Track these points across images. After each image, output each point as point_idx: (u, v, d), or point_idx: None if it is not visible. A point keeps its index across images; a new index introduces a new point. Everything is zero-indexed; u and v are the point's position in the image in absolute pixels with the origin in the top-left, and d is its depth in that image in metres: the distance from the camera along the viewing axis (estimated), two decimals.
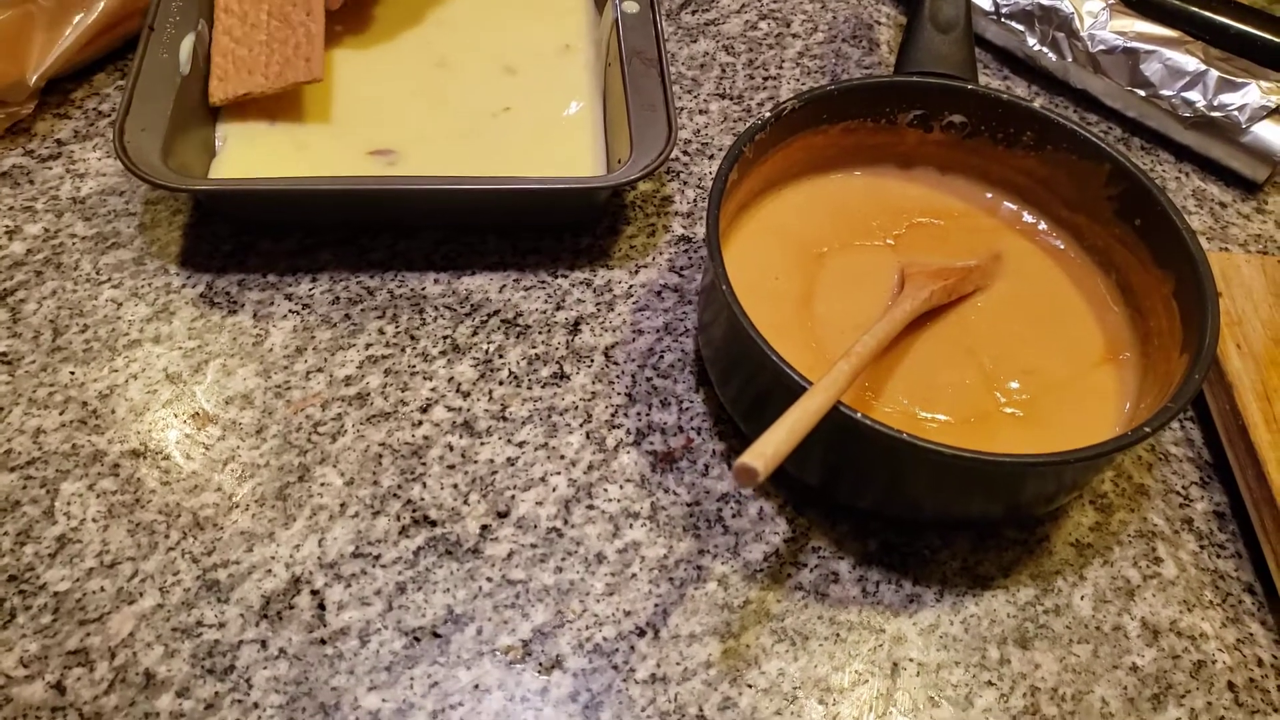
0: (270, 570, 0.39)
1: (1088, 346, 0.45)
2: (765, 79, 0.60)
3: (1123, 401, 0.43)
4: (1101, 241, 0.46)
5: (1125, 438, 0.36)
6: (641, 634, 0.39)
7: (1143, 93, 0.56)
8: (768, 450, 0.30)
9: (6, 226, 0.48)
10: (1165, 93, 0.56)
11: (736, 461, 0.30)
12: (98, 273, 0.47)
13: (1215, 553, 0.43)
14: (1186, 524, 0.43)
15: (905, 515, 0.41)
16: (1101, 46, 0.57)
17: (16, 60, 0.50)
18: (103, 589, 0.38)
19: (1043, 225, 0.49)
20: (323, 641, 0.38)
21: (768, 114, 0.44)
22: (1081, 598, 0.41)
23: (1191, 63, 0.55)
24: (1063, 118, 0.46)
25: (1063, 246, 0.48)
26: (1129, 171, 0.44)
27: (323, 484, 0.42)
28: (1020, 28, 0.59)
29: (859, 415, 0.35)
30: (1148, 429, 0.36)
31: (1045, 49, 0.59)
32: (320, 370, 0.45)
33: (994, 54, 0.62)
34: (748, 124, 0.45)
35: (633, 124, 0.48)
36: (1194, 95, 0.55)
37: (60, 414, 0.43)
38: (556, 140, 0.52)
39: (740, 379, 0.42)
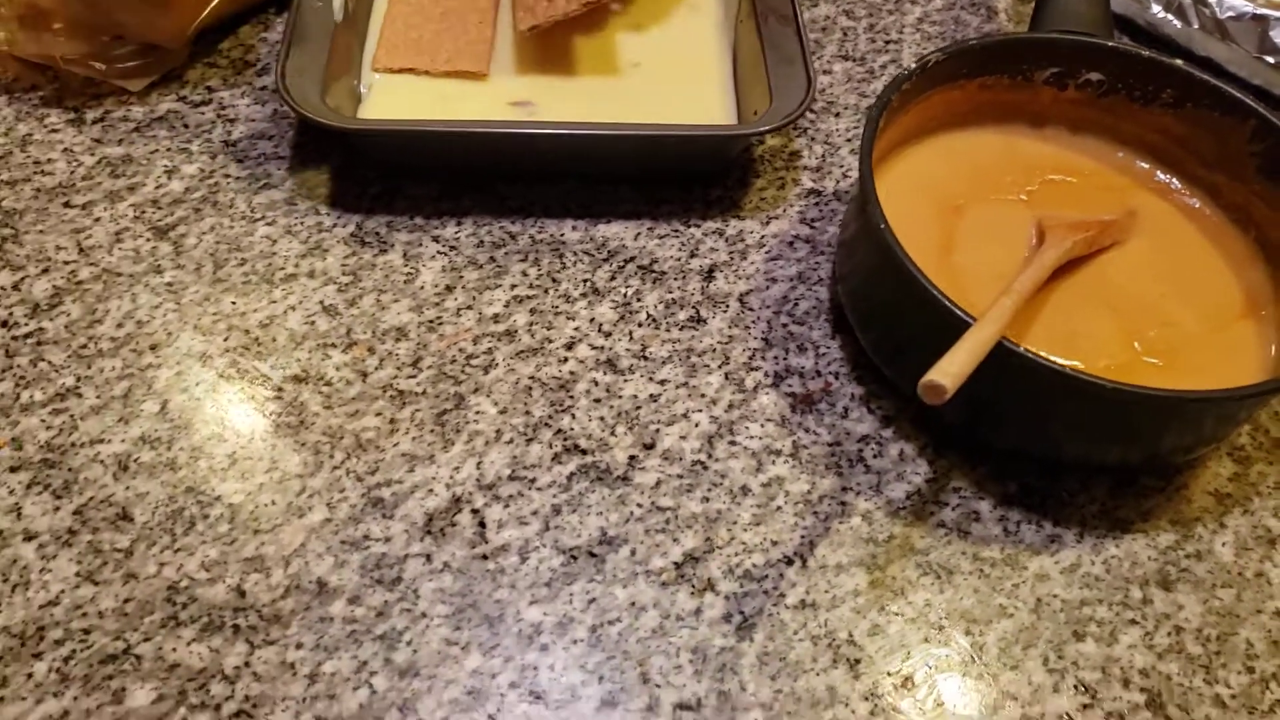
0: (431, 490, 0.41)
1: (1227, 302, 0.45)
2: (887, 43, 0.60)
3: (1265, 355, 0.43)
4: (1240, 199, 0.47)
5: None
6: (790, 563, 0.40)
7: (1272, 60, 0.56)
8: (953, 369, 0.31)
9: (166, 166, 0.50)
10: None
11: (924, 379, 0.31)
12: (252, 211, 0.49)
13: None
14: None
15: (1046, 455, 0.42)
16: (1230, 13, 0.57)
17: (173, 10, 0.52)
18: (273, 502, 0.40)
19: (1176, 184, 0.49)
20: (484, 557, 0.39)
21: (914, 65, 0.45)
22: (1223, 545, 0.41)
23: None
24: (1205, 74, 0.46)
25: (1198, 205, 0.48)
26: (1275, 127, 0.44)
27: (478, 412, 0.43)
28: None
29: (1022, 349, 0.36)
30: None
31: (1170, 15, 0.59)
32: (469, 308, 0.46)
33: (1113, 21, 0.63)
34: (894, 75, 0.45)
35: (771, 76, 0.49)
36: None
37: (224, 340, 0.45)
38: (687, 95, 0.53)
39: (886, 321, 0.43)
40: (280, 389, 0.43)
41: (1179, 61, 0.47)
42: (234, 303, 0.46)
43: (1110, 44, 0.47)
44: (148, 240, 0.48)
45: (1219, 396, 0.36)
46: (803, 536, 0.41)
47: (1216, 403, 0.37)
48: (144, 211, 0.49)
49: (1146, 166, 0.49)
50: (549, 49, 0.55)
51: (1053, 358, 0.42)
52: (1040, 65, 0.48)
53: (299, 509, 0.40)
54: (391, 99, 0.52)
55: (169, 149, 0.51)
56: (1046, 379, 0.36)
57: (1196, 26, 0.58)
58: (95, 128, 0.52)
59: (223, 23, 0.56)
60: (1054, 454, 0.42)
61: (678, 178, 0.52)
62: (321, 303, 0.46)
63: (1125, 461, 0.42)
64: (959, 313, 0.37)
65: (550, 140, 0.48)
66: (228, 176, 0.50)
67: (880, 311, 0.43)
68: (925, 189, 0.48)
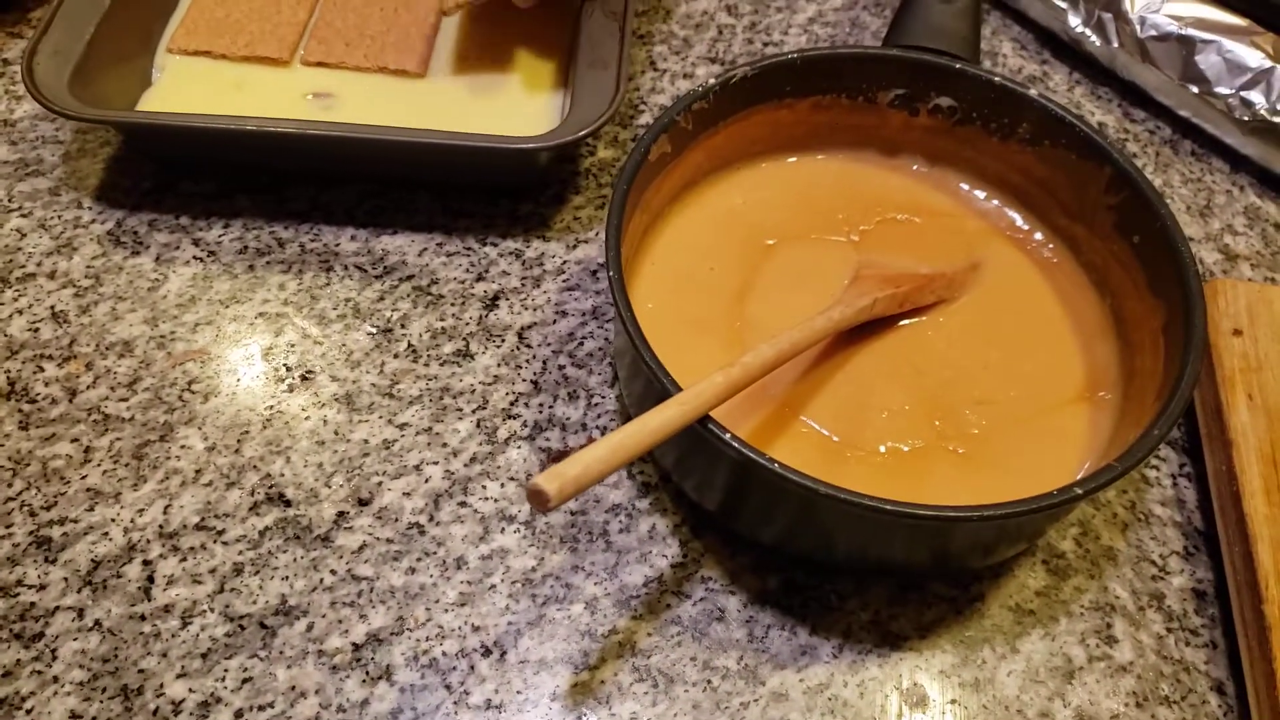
0: (107, 533, 0.36)
1: (1063, 380, 0.38)
2: (765, 44, 0.54)
3: (1090, 449, 0.36)
4: (1099, 258, 0.40)
5: (1046, 498, 0.29)
6: (486, 653, 0.35)
7: (1195, 89, 0.48)
8: (571, 471, 0.25)
9: None
10: (1222, 90, 0.47)
11: (532, 480, 0.26)
12: (10, 199, 0.45)
13: (1184, 639, 0.36)
14: (1156, 600, 0.37)
15: (812, 555, 0.36)
16: (1152, 32, 0.49)
17: None
18: None
19: (1038, 235, 0.42)
20: (143, 618, 0.35)
21: (713, 80, 0.39)
22: (1009, 674, 0.35)
23: (1255, 57, 0.47)
24: (1063, 109, 0.39)
25: (1057, 260, 0.41)
26: (1132, 179, 0.37)
27: (183, 446, 0.39)
28: (1062, 4, 0.52)
29: (729, 437, 0.30)
30: (1079, 490, 0.29)
31: (1089, 31, 0.51)
32: (210, 324, 0.42)
33: (1035, 34, 0.55)
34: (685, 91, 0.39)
35: (576, 81, 0.43)
36: (1255, 96, 0.47)
37: None
38: (513, 97, 0.48)
39: (638, 379, 0.37)
40: None
41: (1033, 91, 0.39)
42: None
43: (956, 65, 0.40)
44: None
45: (952, 517, 0.29)
46: (510, 623, 0.35)
47: (948, 523, 0.30)
48: None
49: (1007, 211, 0.42)
50: (366, 36, 0.49)
51: (837, 436, 0.36)
52: (882, 85, 0.41)
53: None
54: (181, 84, 0.47)
55: None
56: (759, 473, 0.30)
57: (1118, 45, 0.50)
58: None
59: None
60: (823, 556, 0.36)
61: (481, 189, 0.46)
62: (53, 308, 0.42)
63: (909, 564, 0.36)
64: (664, 381, 0.31)
65: (321, 142, 0.42)
66: None
67: (629, 368, 0.37)
68: (736, 222, 0.42)
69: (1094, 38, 0.51)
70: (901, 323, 0.39)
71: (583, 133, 0.41)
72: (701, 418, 0.30)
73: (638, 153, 0.37)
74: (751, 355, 0.32)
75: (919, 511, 0.29)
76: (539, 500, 0.25)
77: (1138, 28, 0.49)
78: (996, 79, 0.40)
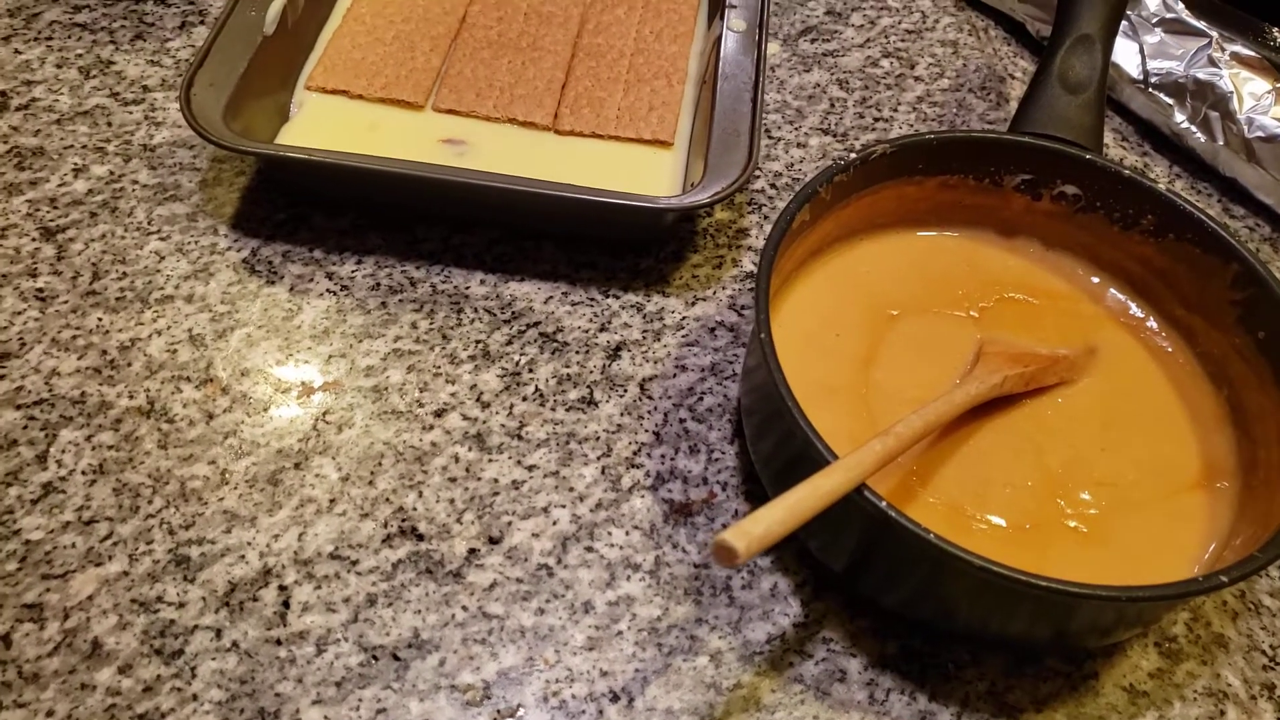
0: (243, 556, 0.37)
1: (1180, 467, 0.39)
2: (876, 120, 0.55)
3: (1209, 536, 0.37)
4: (1217, 350, 0.41)
5: (1194, 583, 0.30)
6: (615, 699, 0.35)
7: None
8: (756, 530, 0.26)
9: (75, 164, 0.48)
10: None
11: (717, 537, 0.26)
12: (149, 223, 0.47)
13: None
14: (1268, 690, 0.37)
15: (934, 622, 0.37)
16: (1259, 133, 0.50)
17: None
18: (74, 545, 0.37)
19: (1152, 322, 0.43)
20: (278, 642, 0.35)
21: (853, 155, 0.40)
22: None
23: None
24: (1190, 204, 0.40)
25: (1171, 349, 0.42)
26: (1260, 276, 0.38)
27: (318, 475, 0.39)
28: (1169, 101, 0.54)
29: (884, 505, 0.31)
30: (1224, 578, 0.30)
31: (1194, 127, 0.53)
32: (343, 356, 0.43)
33: (1136, 126, 0.57)
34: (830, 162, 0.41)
35: (711, 147, 0.45)
36: None
37: (79, 359, 0.42)
38: (635, 154, 0.49)
39: (773, 438, 0.38)
40: (120, 420, 0.40)
41: (1161, 185, 0.41)
42: (100, 320, 0.43)
43: (1087, 156, 0.42)
44: (32, 240, 0.45)
45: (1101, 595, 0.30)
46: (637, 670, 0.36)
47: (1099, 601, 0.31)
48: (38, 209, 0.46)
49: (1122, 298, 0.44)
50: (495, 87, 0.51)
51: (966, 508, 0.37)
52: (1009, 169, 0.43)
53: (98, 556, 0.37)
54: (318, 121, 0.49)
55: (85, 146, 0.49)
56: (911, 542, 0.31)
57: (1222, 143, 0.52)
58: (17, 115, 0.50)
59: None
60: (943, 622, 0.36)
61: (605, 242, 0.48)
62: (190, 331, 0.43)
63: (1028, 638, 0.36)
64: (820, 447, 0.32)
65: (454, 188, 0.44)
66: (135, 183, 0.48)
67: (766, 425, 0.38)
68: (861, 291, 0.43)
69: (1198, 134, 0.53)
70: (1022, 401, 0.40)
71: (717, 197, 0.43)
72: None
73: (783, 221, 0.38)
74: (903, 425, 0.33)
75: (1101, 593, 0.29)
76: (727, 556, 0.26)
77: (1245, 127, 0.50)
78: (1125, 171, 0.41)
